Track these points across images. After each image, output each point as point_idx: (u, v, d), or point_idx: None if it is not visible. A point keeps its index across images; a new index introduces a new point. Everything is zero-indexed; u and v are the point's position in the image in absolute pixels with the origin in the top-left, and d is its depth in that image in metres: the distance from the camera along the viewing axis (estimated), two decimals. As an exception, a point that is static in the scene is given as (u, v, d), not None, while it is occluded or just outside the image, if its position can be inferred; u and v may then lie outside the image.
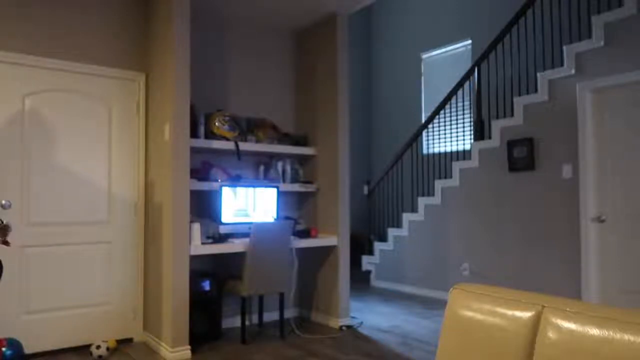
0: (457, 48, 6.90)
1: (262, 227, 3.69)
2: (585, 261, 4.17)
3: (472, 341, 1.39)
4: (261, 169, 4.41)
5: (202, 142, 3.85)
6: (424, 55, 7.40)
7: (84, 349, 3.63)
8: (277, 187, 4.22)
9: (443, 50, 7.10)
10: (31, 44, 3.49)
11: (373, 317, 4.65)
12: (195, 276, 3.83)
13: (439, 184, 5.61)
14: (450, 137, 6.77)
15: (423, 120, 7.30)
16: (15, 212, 3.41)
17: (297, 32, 4.85)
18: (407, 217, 6.01)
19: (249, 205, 4.05)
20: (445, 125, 6.88)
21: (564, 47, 4.33)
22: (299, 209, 4.76)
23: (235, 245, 3.73)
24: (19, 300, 3.41)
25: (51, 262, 3.53)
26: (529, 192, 4.64)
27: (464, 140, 6.58)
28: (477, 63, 5.29)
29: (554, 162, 4.44)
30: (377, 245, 6.43)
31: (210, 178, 3.99)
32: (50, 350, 3.54)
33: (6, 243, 2.23)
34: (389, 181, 7.15)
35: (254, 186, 4.08)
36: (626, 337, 1.06)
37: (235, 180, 4.15)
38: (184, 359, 3.43)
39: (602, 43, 4.09)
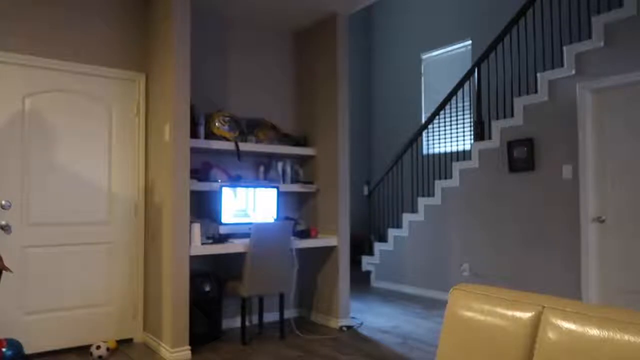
0: (457, 48, 6.90)
1: (262, 228, 3.69)
2: (585, 261, 4.17)
3: (472, 341, 1.39)
4: (261, 170, 4.41)
5: (202, 143, 3.85)
6: (424, 55, 7.40)
7: (84, 349, 3.63)
8: (277, 188, 4.22)
9: (443, 50, 7.10)
10: (31, 44, 3.49)
11: (373, 318, 4.65)
12: (196, 276, 3.83)
13: (439, 185, 5.61)
14: (450, 137, 6.77)
15: (423, 121, 7.30)
16: (15, 212, 3.41)
17: (297, 32, 4.85)
18: (407, 217, 6.01)
19: (249, 205, 4.05)
20: (445, 126, 6.88)
21: (564, 48, 4.33)
22: (299, 210, 4.76)
23: (235, 246, 3.73)
24: (19, 300, 3.41)
25: (51, 263, 3.53)
26: (529, 192, 4.64)
27: (464, 140, 6.58)
28: (477, 63, 5.29)
29: (554, 163, 4.44)
30: (377, 246, 6.43)
31: (211, 178, 3.99)
32: (51, 351, 3.54)
33: (6, 268, 2.28)
34: (389, 181, 7.15)
35: (254, 186, 4.08)
36: (626, 337, 1.06)
37: (235, 181, 4.15)
38: None
39: (602, 43, 4.09)
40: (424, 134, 7.04)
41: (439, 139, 6.95)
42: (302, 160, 4.74)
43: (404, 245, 6.06)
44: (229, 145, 4.00)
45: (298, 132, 4.79)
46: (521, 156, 4.68)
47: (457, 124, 6.66)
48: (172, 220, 3.43)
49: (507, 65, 6.12)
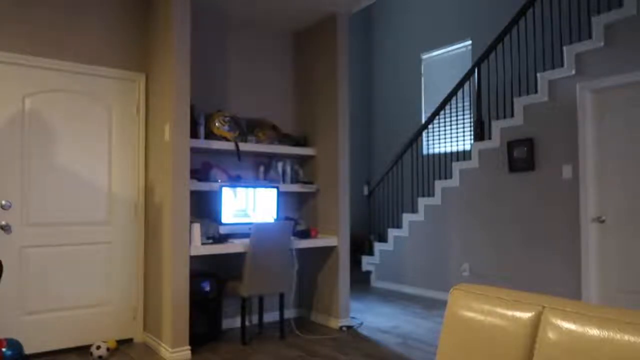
0: (457, 48, 6.90)
1: (262, 228, 3.69)
2: (585, 261, 4.16)
3: (472, 342, 1.39)
4: (261, 170, 4.41)
5: (202, 143, 3.85)
6: (424, 56, 7.40)
7: (84, 349, 3.63)
8: (277, 188, 4.22)
9: (443, 50, 7.10)
10: (31, 44, 3.49)
11: (373, 318, 4.65)
12: (196, 276, 3.83)
13: (439, 185, 5.61)
14: (451, 137, 6.77)
15: (423, 121, 7.30)
16: (15, 212, 3.41)
17: (297, 32, 4.85)
18: (407, 217, 6.01)
19: (249, 205, 4.05)
20: (445, 126, 6.88)
21: (564, 48, 4.33)
22: (299, 210, 4.76)
23: (235, 246, 3.73)
24: (19, 300, 3.41)
25: (51, 263, 3.53)
26: (529, 192, 4.64)
27: (464, 140, 6.58)
28: (477, 63, 5.29)
29: (554, 163, 4.43)
30: (377, 246, 6.42)
31: (211, 178, 3.99)
32: (51, 351, 3.54)
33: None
34: (389, 181, 7.14)
35: (254, 186, 4.08)
36: (626, 337, 1.06)
37: (235, 181, 4.15)
38: (184, 360, 3.44)
39: (602, 43, 4.09)
40: (424, 134, 7.04)
41: (439, 139, 6.95)
42: (302, 160, 4.74)
43: (404, 245, 6.06)
44: (229, 145, 4.00)
45: (298, 132, 4.79)
46: (521, 156, 4.68)
47: (457, 124, 6.66)
48: (172, 220, 3.43)
49: (507, 65, 6.12)
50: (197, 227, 3.60)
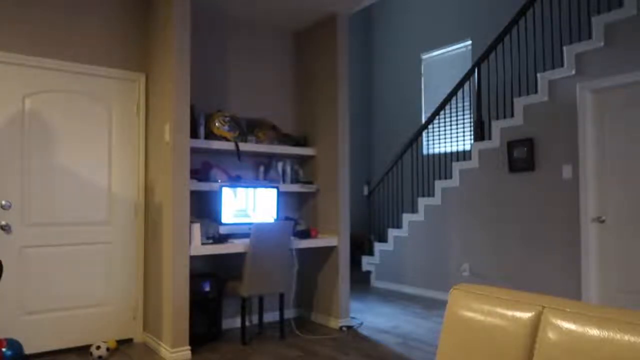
0: (457, 48, 6.90)
1: (262, 228, 3.69)
2: (585, 261, 4.16)
3: (472, 342, 1.39)
4: (261, 170, 4.41)
5: (202, 143, 3.85)
6: (424, 56, 7.40)
7: (84, 349, 3.63)
8: (277, 188, 4.22)
9: (443, 50, 7.10)
10: (31, 44, 3.49)
11: (373, 318, 4.65)
12: (196, 276, 3.83)
13: (439, 185, 5.61)
14: (451, 137, 6.77)
15: (423, 121, 7.30)
16: (15, 212, 3.41)
17: (297, 32, 4.85)
18: (407, 217, 6.00)
19: (249, 205, 4.05)
20: (445, 126, 6.88)
21: (564, 48, 4.33)
22: (299, 210, 4.76)
23: (235, 246, 3.73)
24: (19, 300, 3.41)
25: (51, 263, 3.53)
26: (529, 192, 4.64)
27: (464, 140, 6.58)
28: (477, 63, 5.29)
29: (554, 163, 4.43)
30: (377, 246, 6.42)
31: (211, 178, 3.99)
32: (51, 351, 3.54)
33: None
34: (389, 181, 7.14)
35: (254, 186, 4.08)
36: (626, 337, 1.06)
37: (235, 181, 4.15)
38: (184, 360, 3.44)
39: (602, 43, 4.09)
40: (424, 134, 7.04)
41: (439, 139, 6.95)
42: (302, 160, 4.74)
43: (404, 245, 6.05)
44: (229, 145, 4.00)
45: (298, 132, 4.79)
46: (521, 156, 4.68)
47: (457, 124, 6.66)
48: (172, 220, 3.43)
49: (507, 65, 6.12)
50: (197, 227, 3.60)
